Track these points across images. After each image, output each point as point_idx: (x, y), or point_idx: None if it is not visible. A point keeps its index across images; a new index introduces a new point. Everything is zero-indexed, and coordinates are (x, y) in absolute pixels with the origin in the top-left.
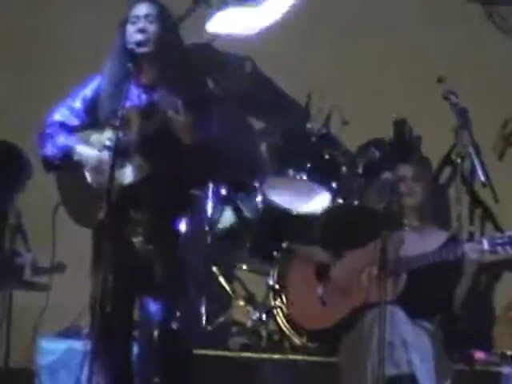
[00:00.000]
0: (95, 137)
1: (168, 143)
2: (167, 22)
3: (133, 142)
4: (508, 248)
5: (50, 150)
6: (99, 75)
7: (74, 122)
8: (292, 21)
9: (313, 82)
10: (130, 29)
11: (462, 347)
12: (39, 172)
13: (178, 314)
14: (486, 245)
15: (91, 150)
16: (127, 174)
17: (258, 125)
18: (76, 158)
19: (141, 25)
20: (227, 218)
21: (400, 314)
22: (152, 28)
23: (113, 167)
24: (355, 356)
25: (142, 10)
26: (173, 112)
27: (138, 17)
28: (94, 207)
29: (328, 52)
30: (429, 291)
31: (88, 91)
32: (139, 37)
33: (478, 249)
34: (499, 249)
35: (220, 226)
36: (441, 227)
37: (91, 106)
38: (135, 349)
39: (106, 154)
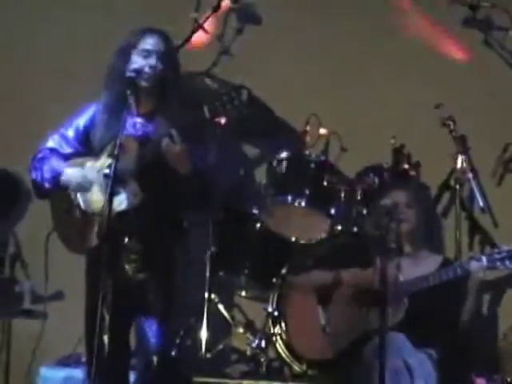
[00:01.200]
0: (89, 164)
1: (163, 171)
2: (173, 58)
3: (128, 170)
4: (507, 262)
5: (39, 174)
6: (94, 103)
7: (67, 150)
8: (291, 46)
9: (311, 109)
10: (139, 60)
11: (463, 373)
12: (39, 200)
13: (177, 341)
14: (485, 261)
15: (77, 170)
16: (121, 201)
17: (252, 151)
18: (62, 179)
19: (152, 61)
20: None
21: (403, 341)
22: (160, 65)
23: (111, 196)
24: None
25: (153, 44)
26: (168, 141)
27: (148, 51)
28: (86, 233)
29: (326, 78)
30: (431, 314)
31: (82, 121)
32: (148, 72)
33: (479, 266)
34: (498, 264)
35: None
36: (434, 252)
37: (84, 136)
38: (132, 377)
39: (92, 174)
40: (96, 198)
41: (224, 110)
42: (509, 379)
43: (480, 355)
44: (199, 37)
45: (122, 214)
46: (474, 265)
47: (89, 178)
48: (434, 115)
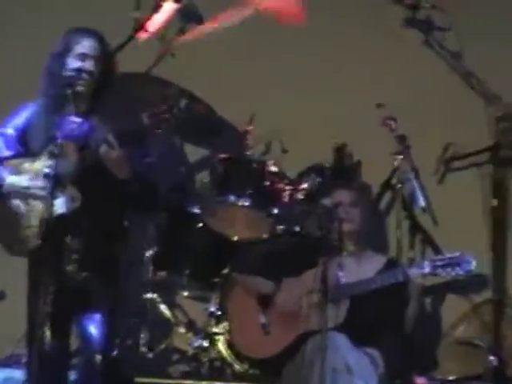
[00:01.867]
0: (26, 165)
1: (102, 174)
2: (108, 61)
3: (66, 174)
4: (449, 269)
5: None
6: (31, 103)
7: (8, 152)
8: (233, 45)
9: (253, 109)
10: (74, 63)
11: (406, 373)
12: None
13: (118, 341)
14: (427, 267)
15: (19, 178)
16: (59, 205)
17: (195, 151)
18: (5, 188)
19: (88, 66)
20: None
21: (343, 340)
22: (96, 68)
23: (51, 195)
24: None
25: (89, 48)
26: (106, 147)
27: (85, 55)
28: (24, 236)
29: (268, 78)
30: (373, 316)
31: (20, 120)
32: (85, 77)
33: (421, 272)
34: (440, 271)
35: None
36: (378, 251)
37: (23, 136)
38: (74, 377)
39: (34, 184)
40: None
41: (162, 118)
42: (450, 377)
43: (422, 356)
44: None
45: (61, 216)
46: (415, 271)
47: (30, 194)
48: (374, 115)
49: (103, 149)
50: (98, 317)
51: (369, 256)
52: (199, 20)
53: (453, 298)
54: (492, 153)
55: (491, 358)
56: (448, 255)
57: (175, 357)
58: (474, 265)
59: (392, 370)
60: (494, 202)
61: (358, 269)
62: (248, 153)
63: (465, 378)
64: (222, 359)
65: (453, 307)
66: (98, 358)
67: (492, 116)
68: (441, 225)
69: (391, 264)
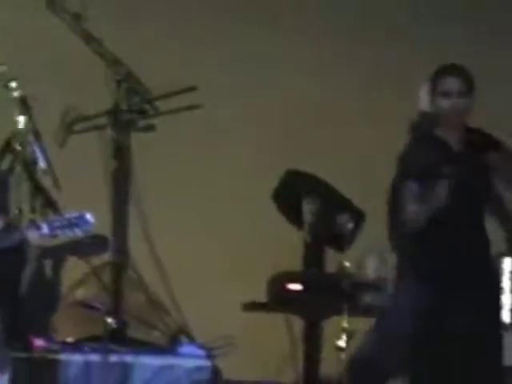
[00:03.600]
0: None
1: None
2: None
3: None
4: (67, 230)
5: None
6: None
7: None
8: None
9: None
10: None
11: (22, 335)
12: None
13: None
14: (45, 229)
15: None
16: None
17: None
18: None
19: None
20: None
21: None
22: None
23: None
24: None
25: None
26: None
27: None
28: None
29: None
30: None
31: None
32: None
33: (39, 234)
34: (59, 232)
35: None
36: None
37: None
38: None
39: None
40: None
41: None
42: (68, 340)
43: (40, 318)
44: None
45: None
46: (33, 233)
47: None
48: None
49: None
50: None
51: None
52: None
53: (73, 260)
54: (112, 116)
55: (110, 319)
56: (66, 215)
57: None
58: (92, 225)
59: (8, 332)
60: (115, 164)
61: None
62: None
63: (83, 340)
64: None
65: (73, 269)
66: None
67: (112, 79)
68: (64, 187)
69: (8, 226)
